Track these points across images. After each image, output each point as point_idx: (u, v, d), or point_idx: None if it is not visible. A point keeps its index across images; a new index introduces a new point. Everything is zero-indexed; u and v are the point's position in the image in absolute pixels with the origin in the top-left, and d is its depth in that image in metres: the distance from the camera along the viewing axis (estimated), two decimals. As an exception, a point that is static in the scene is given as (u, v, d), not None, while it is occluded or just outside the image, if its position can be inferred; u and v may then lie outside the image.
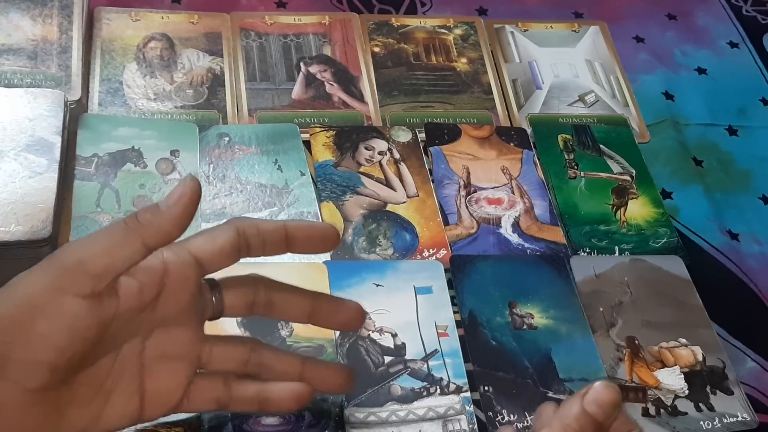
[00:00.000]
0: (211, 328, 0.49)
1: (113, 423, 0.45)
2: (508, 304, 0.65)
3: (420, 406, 0.59)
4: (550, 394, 0.60)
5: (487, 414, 0.59)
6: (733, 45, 0.93)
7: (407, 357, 0.61)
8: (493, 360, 0.62)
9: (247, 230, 0.45)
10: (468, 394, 0.60)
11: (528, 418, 0.59)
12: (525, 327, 0.64)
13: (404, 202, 0.71)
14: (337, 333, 0.61)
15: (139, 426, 0.53)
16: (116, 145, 0.69)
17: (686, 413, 0.61)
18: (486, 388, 0.60)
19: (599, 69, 0.86)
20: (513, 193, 0.74)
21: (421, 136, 0.76)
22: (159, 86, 0.75)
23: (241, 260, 0.47)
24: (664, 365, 0.64)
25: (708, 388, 0.63)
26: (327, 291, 0.63)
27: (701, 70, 0.90)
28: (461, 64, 0.84)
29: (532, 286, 0.67)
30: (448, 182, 0.73)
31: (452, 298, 0.65)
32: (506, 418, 0.58)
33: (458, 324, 0.64)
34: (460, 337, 0.63)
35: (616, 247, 0.71)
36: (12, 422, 0.41)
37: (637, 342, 0.65)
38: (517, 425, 0.58)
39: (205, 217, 0.66)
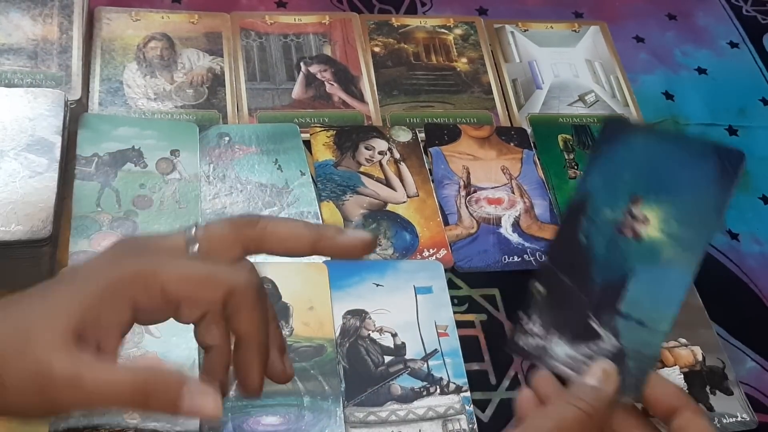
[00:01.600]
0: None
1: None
2: (629, 197, 0.47)
3: (420, 406, 0.59)
4: (594, 324, 0.46)
5: (515, 314, 0.48)
6: (733, 45, 0.93)
7: (407, 357, 0.61)
8: (568, 258, 0.48)
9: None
10: (468, 393, 0.60)
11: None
12: (629, 233, 0.47)
13: (404, 202, 0.71)
14: (338, 333, 0.61)
15: (140, 426, 0.53)
16: (116, 144, 0.69)
17: (686, 413, 0.61)
18: (540, 289, 0.48)
19: (599, 69, 0.86)
20: (513, 192, 0.74)
21: (421, 135, 0.76)
22: (159, 86, 0.75)
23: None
24: (663, 365, 0.64)
25: (708, 389, 0.63)
26: (327, 291, 0.63)
27: (701, 70, 0.90)
28: (461, 64, 0.84)
29: (676, 185, 0.47)
30: (448, 182, 0.73)
31: (452, 298, 0.65)
32: (529, 324, 0.47)
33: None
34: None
35: (616, 247, 0.71)
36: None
37: (637, 342, 0.64)
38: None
39: (206, 217, 0.66)
